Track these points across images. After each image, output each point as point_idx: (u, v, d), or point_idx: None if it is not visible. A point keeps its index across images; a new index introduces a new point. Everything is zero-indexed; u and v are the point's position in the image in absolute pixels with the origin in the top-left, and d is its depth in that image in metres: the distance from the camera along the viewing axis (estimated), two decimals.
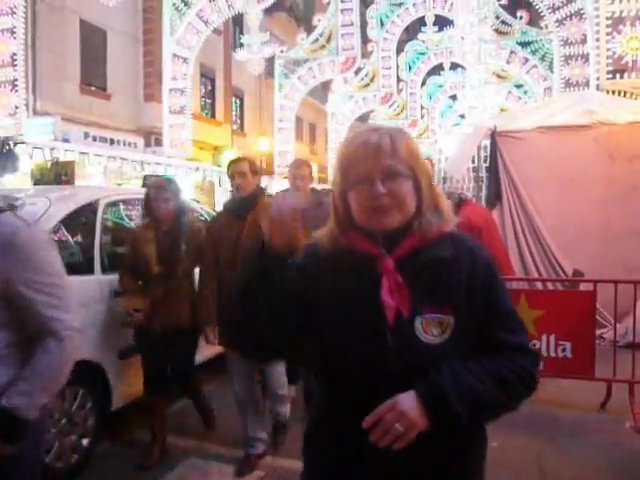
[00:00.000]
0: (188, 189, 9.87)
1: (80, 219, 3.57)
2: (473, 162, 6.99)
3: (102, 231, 3.65)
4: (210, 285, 3.29)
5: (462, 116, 25.23)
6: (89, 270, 3.47)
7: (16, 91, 10.31)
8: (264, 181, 15.89)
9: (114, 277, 3.50)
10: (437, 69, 25.00)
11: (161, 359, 3.43)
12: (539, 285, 5.83)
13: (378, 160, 1.19)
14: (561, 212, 6.18)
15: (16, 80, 10.32)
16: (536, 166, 6.39)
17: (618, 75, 8.82)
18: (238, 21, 19.16)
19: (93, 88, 15.58)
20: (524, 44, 15.40)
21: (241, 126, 23.63)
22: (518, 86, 18.59)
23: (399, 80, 22.41)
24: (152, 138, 16.23)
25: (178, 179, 5.86)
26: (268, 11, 15.30)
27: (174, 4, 12.44)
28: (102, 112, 15.34)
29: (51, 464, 3.04)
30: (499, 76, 18.66)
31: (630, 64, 8.77)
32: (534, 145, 6.39)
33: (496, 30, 15.59)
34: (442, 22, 20.62)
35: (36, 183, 7.26)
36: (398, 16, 20.31)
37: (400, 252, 1.21)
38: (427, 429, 1.11)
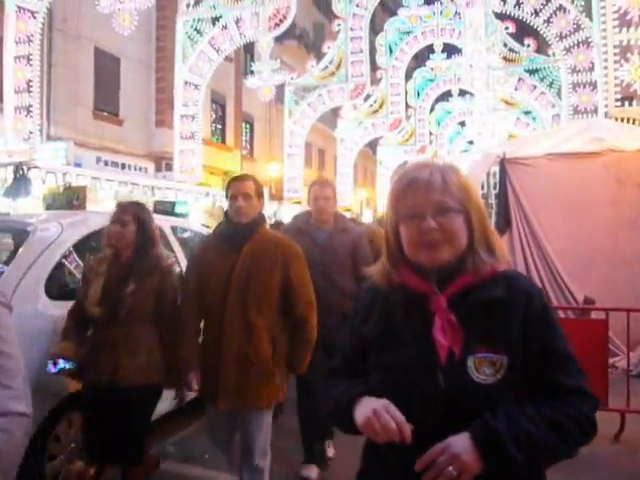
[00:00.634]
0: (198, 214, 9.93)
1: (91, 244, 3.59)
2: (482, 189, 7.01)
3: None
4: (192, 325, 2.80)
5: (471, 142, 25.36)
6: None
7: (31, 117, 10.50)
8: (273, 207, 15.92)
9: None
10: (445, 95, 25.22)
11: (105, 420, 2.80)
12: None
13: (429, 195, 1.20)
14: (570, 237, 6.17)
15: (31, 106, 10.51)
16: (545, 192, 6.40)
17: (627, 102, 8.85)
18: (249, 48, 19.48)
19: (106, 114, 15.82)
20: (532, 71, 15.48)
21: (251, 151, 23.84)
22: (526, 112, 18.65)
23: (408, 106, 22.60)
24: (163, 163, 16.40)
25: (189, 204, 5.90)
26: (279, 39, 15.54)
27: (187, 32, 12.68)
28: (114, 137, 15.56)
29: None
30: (507, 102, 18.74)
31: (638, 92, 8.81)
32: (543, 171, 6.40)
33: (504, 58, 15.71)
34: (450, 50, 20.87)
35: (48, 207, 7.34)
36: (407, 44, 20.59)
37: (453, 290, 1.20)
38: (481, 473, 1.08)
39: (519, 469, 1.10)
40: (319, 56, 18.62)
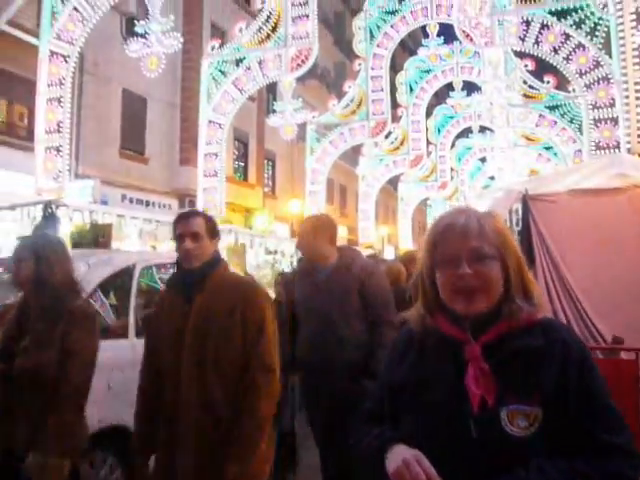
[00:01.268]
0: (221, 252, 10.00)
1: (117, 283, 3.65)
2: None
3: (137, 295, 3.73)
4: (144, 400, 2.43)
5: (492, 178, 25.34)
6: (124, 334, 3.52)
7: (60, 156, 10.78)
8: (295, 244, 15.92)
9: None
10: (466, 132, 25.38)
11: None
12: None
13: (465, 241, 1.20)
14: (596, 275, 6.06)
15: (61, 146, 10.81)
16: (569, 229, 6.32)
17: None
18: (271, 88, 19.91)
19: (132, 152, 16.25)
20: (552, 107, 15.54)
21: (273, 189, 24.13)
22: (548, 148, 18.65)
23: (429, 143, 22.76)
24: (186, 200, 16.67)
25: None
26: (300, 78, 15.88)
27: (211, 74, 13.03)
28: (139, 175, 15.93)
29: None
30: (528, 138, 18.77)
31: None
32: (567, 208, 6.34)
33: (524, 94, 15.81)
34: (470, 87, 21.10)
35: (75, 245, 7.50)
36: (427, 82, 20.88)
37: (487, 338, 1.19)
38: None
39: None
40: (340, 95, 18.96)
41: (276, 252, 12.45)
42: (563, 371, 1.16)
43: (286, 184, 24.49)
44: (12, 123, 13.27)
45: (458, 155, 26.79)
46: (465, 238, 1.20)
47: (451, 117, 23.79)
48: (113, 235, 7.85)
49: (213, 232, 2.42)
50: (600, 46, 10.52)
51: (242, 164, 21.59)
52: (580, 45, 10.56)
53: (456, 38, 15.92)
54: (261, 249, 11.83)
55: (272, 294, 8.84)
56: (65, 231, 7.60)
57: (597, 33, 10.44)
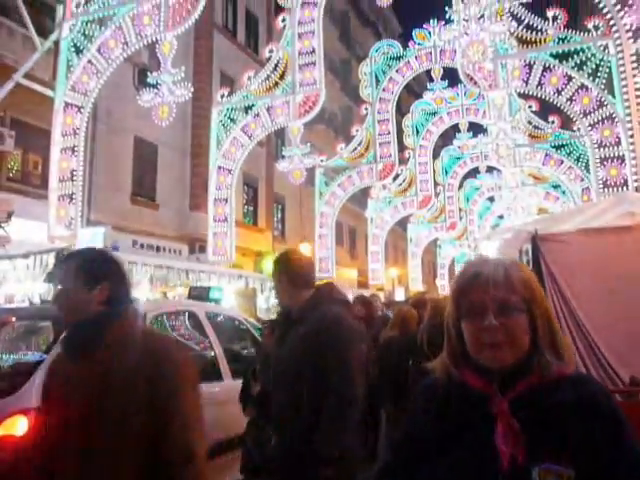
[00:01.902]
0: (231, 296, 10.02)
1: None
2: None
3: None
4: None
5: (501, 217, 25.37)
6: None
7: (73, 204, 10.96)
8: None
9: None
10: (473, 172, 25.56)
11: None
12: None
13: (492, 292, 1.17)
14: (610, 314, 5.97)
15: (73, 194, 11.00)
16: (580, 268, 6.27)
17: None
18: (280, 133, 20.28)
19: (143, 198, 16.48)
20: (558, 146, 15.67)
21: (282, 232, 24.27)
22: (555, 186, 18.71)
23: (436, 184, 22.93)
24: (197, 245, 16.79)
25: (223, 289, 5.97)
26: (308, 124, 16.19)
27: (221, 121, 13.32)
28: (150, 221, 16.11)
29: None
30: (535, 177, 18.86)
31: None
32: (577, 247, 6.32)
33: (529, 134, 15.98)
34: (476, 127, 21.39)
35: None
36: (433, 124, 21.19)
37: (516, 393, 1.15)
38: None
39: None
40: (347, 138, 19.26)
41: None
42: (595, 428, 1.11)
43: (295, 227, 24.63)
44: (27, 172, 13.55)
45: (466, 195, 26.91)
46: (491, 289, 1.17)
47: (458, 158, 24.01)
48: None
49: (95, 276, 1.78)
50: (603, 86, 10.67)
51: (251, 208, 21.80)
52: (583, 86, 10.72)
53: (460, 81, 16.26)
54: (272, 293, 11.82)
55: None
56: None
57: (599, 74, 10.60)
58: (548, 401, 1.14)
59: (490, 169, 23.77)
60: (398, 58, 18.21)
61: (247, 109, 13.26)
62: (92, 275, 1.78)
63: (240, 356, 4.60)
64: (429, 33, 17.68)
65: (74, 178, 11.06)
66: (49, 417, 1.79)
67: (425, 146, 21.37)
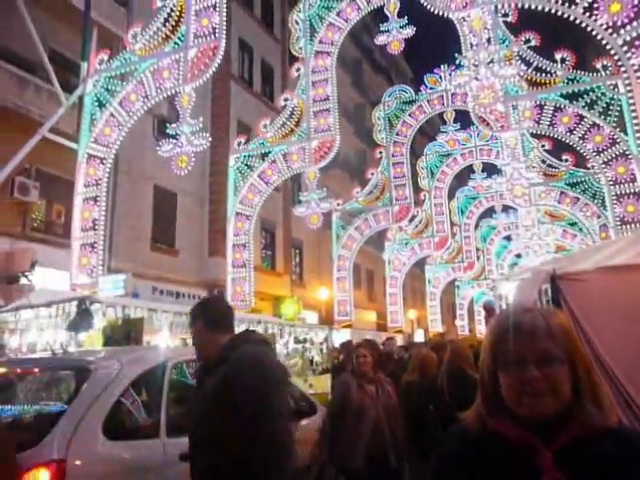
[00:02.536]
0: None
1: (148, 381, 3.68)
2: None
3: (168, 392, 3.73)
4: None
5: (518, 256, 25.20)
6: (155, 434, 3.49)
7: (95, 252, 11.17)
8: (324, 332, 15.55)
9: (180, 440, 3.29)
10: (489, 211, 25.57)
11: None
12: None
13: (533, 342, 1.16)
14: (634, 351, 5.86)
15: (95, 242, 11.22)
16: (601, 307, 6.18)
17: None
18: (296, 178, 20.60)
19: (162, 246, 16.71)
20: (573, 184, 15.66)
21: (300, 276, 24.31)
22: (572, 224, 18.62)
23: (452, 224, 22.95)
24: (215, 291, 16.88)
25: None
26: (323, 168, 16.47)
27: (238, 168, 13.59)
28: (169, 267, 16.29)
29: None
30: (552, 215, 18.80)
31: None
32: (597, 285, 6.23)
33: (544, 173, 16.02)
34: (490, 167, 21.50)
35: (106, 340, 7.60)
36: (447, 166, 21.39)
37: (559, 445, 1.12)
38: None
39: None
40: (363, 181, 19.48)
41: (305, 341, 12.36)
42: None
43: (313, 271, 24.68)
44: (51, 222, 13.90)
45: (483, 235, 26.85)
46: (532, 339, 1.15)
47: (473, 198, 24.09)
48: (144, 329, 7.95)
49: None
50: (614, 124, 10.75)
51: (269, 253, 21.94)
52: (594, 124, 10.81)
53: (473, 123, 16.48)
54: (291, 338, 11.79)
55: (301, 384, 8.70)
56: (98, 326, 7.76)
57: (610, 112, 10.69)
58: (592, 453, 1.11)
59: (506, 208, 23.78)
60: (410, 102, 18.56)
61: (264, 156, 13.53)
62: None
63: None
64: (440, 77, 18.06)
65: (96, 227, 11.30)
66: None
67: (440, 187, 21.51)
